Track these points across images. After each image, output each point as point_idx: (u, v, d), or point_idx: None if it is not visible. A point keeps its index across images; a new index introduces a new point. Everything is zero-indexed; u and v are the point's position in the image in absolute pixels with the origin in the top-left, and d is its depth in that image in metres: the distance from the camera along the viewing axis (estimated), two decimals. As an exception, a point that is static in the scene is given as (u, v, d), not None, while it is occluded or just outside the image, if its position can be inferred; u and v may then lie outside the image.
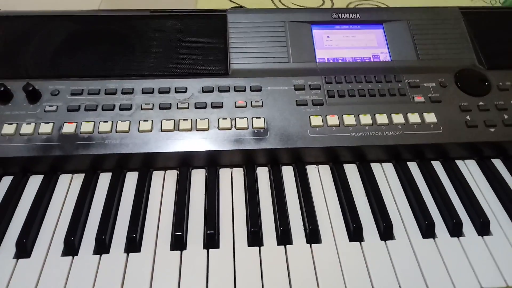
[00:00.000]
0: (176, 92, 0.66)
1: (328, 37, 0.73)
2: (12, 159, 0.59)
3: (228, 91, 0.66)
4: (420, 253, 0.53)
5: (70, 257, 0.52)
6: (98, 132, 0.61)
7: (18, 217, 0.56)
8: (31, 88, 0.62)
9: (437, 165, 0.64)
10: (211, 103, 0.65)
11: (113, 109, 0.63)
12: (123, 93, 0.65)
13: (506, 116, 0.65)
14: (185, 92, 0.66)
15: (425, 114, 0.65)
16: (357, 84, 0.68)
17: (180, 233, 0.53)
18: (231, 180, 0.61)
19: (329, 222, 0.56)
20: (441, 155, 0.65)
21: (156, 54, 0.69)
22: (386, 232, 0.55)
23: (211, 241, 0.53)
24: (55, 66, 0.67)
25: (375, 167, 0.63)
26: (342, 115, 0.64)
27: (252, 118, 0.63)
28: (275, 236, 0.55)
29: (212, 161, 0.62)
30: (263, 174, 0.62)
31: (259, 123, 0.63)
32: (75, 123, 0.61)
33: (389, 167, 0.64)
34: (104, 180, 0.61)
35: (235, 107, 0.65)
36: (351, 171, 0.63)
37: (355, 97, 0.66)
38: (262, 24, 0.73)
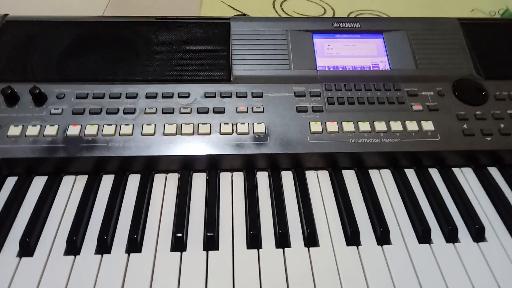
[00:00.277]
0: (179, 97, 0.67)
1: (329, 45, 0.75)
2: (17, 160, 0.60)
3: (230, 97, 0.67)
4: (416, 258, 0.54)
5: (72, 256, 0.52)
6: (102, 135, 0.62)
7: (22, 217, 0.57)
8: (37, 91, 0.64)
9: (434, 173, 0.65)
10: (213, 108, 0.66)
11: (117, 113, 0.64)
12: (127, 97, 0.66)
13: (502, 125, 0.66)
14: (188, 97, 0.67)
15: (423, 122, 0.66)
16: (357, 92, 0.69)
17: (181, 234, 0.54)
18: (232, 184, 0.62)
19: (327, 226, 0.57)
20: (438, 162, 0.66)
21: (160, 59, 0.71)
22: (383, 237, 0.56)
23: (210, 243, 0.54)
24: (61, 70, 0.68)
25: (373, 173, 0.64)
26: (342, 122, 0.65)
27: (253, 124, 0.64)
28: (274, 239, 0.55)
29: (213, 165, 0.63)
30: (263, 178, 0.63)
31: (259, 128, 0.64)
32: (80, 126, 0.62)
33: (387, 173, 0.65)
34: (107, 182, 0.62)
35: (237, 112, 0.66)
36: (350, 177, 0.64)
37: (355, 105, 0.68)
38: (265, 32, 0.74)
